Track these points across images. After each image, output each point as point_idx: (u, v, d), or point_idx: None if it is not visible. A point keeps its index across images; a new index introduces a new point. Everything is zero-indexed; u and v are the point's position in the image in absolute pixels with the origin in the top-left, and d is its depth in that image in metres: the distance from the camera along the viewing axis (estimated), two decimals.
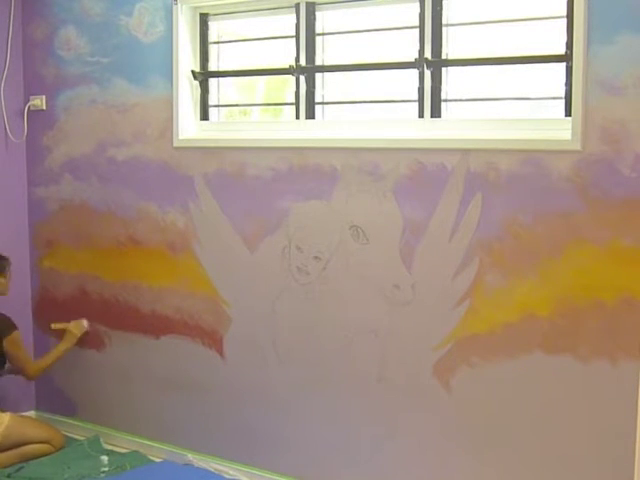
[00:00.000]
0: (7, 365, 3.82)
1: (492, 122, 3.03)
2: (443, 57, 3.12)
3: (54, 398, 4.18)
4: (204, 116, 3.73)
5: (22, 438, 3.70)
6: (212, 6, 3.62)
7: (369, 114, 3.42)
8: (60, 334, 4.00)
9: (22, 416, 3.93)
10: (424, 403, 3.15)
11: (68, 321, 3.99)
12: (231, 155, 3.53)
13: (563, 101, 2.86)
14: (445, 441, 3.12)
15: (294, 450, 3.49)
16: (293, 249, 3.41)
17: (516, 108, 3.11)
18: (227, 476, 3.61)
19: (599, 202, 2.73)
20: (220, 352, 3.65)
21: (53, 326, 4.01)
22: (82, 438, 4.00)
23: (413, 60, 3.14)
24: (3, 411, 3.75)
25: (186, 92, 3.66)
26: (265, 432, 3.55)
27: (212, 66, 3.72)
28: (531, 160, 2.85)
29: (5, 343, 3.75)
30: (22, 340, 3.86)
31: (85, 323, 3.98)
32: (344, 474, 3.37)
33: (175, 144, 3.67)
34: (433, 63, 3.11)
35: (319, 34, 3.41)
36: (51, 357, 3.92)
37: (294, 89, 3.46)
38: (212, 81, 3.74)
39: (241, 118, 3.90)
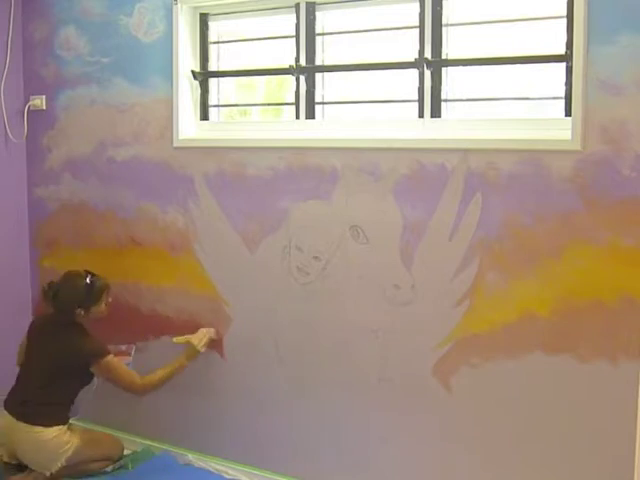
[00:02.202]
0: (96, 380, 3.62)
1: (492, 122, 3.03)
2: (443, 57, 3.12)
3: None
4: (204, 116, 3.73)
5: (86, 459, 3.56)
6: (212, 6, 3.62)
7: (369, 114, 3.42)
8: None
9: (90, 436, 3.69)
10: (424, 403, 3.15)
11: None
12: (231, 155, 3.53)
13: (563, 101, 2.86)
14: (445, 441, 3.12)
15: (294, 450, 3.49)
16: (293, 249, 3.41)
17: (516, 108, 3.11)
18: (227, 476, 3.62)
19: (599, 202, 2.74)
20: (220, 352, 3.65)
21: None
22: None
23: (413, 60, 3.14)
24: (72, 428, 3.59)
25: (186, 92, 3.66)
26: (265, 432, 3.55)
27: (212, 66, 3.72)
28: (531, 160, 2.85)
29: (94, 370, 3.49)
30: (113, 361, 3.49)
31: (212, 333, 3.61)
32: (344, 474, 3.37)
33: (175, 144, 3.67)
34: (433, 63, 3.11)
35: (319, 34, 3.41)
36: (164, 372, 3.55)
37: (294, 89, 3.46)
38: (212, 81, 3.74)
39: (241, 118, 3.90)
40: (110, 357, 3.48)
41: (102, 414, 4.03)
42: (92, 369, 3.49)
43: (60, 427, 3.50)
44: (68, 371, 3.48)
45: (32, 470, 3.51)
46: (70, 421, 3.63)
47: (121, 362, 3.57)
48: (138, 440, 3.91)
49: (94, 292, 3.51)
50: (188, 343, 3.59)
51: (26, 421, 3.46)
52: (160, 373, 3.55)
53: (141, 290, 3.86)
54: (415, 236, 3.10)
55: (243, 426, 3.62)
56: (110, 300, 3.59)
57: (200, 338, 3.58)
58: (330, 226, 3.30)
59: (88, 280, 3.51)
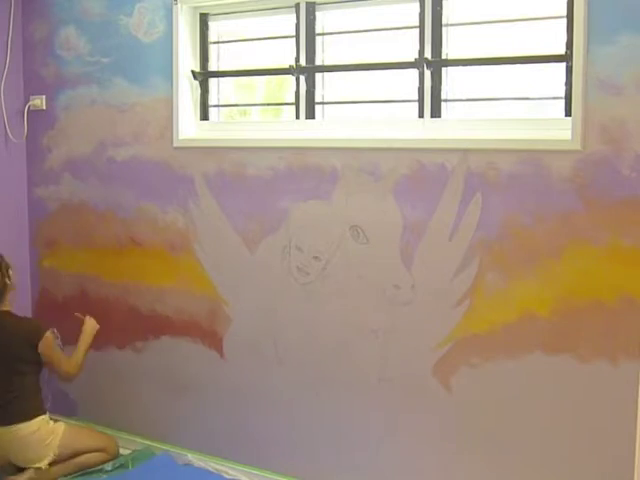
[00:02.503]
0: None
1: (492, 122, 3.03)
2: (443, 57, 3.12)
3: (55, 398, 4.17)
4: (204, 116, 3.73)
5: (79, 448, 3.61)
6: (212, 6, 3.62)
7: (369, 114, 3.42)
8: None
9: (76, 425, 3.80)
10: (424, 403, 3.15)
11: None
12: (231, 155, 3.53)
13: (563, 101, 2.86)
14: (445, 441, 3.12)
15: (294, 450, 3.49)
16: (293, 249, 3.41)
17: (516, 108, 3.11)
18: (227, 476, 3.62)
19: (599, 202, 2.74)
20: (220, 352, 3.65)
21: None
22: None
23: (413, 60, 3.14)
24: (55, 420, 3.65)
25: (186, 92, 3.66)
26: (265, 432, 3.55)
27: (212, 66, 3.72)
28: (531, 160, 2.85)
29: (40, 347, 3.54)
30: (52, 338, 3.59)
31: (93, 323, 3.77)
32: (344, 474, 3.37)
33: (175, 144, 3.67)
34: (433, 63, 3.11)
35: (319, 34, 3.41)
36: (81, 350, 3.68)
37: (294, 89, 3.46)
38: (212, 81, 3.74)
39: (241, 118, 3.90)
40: (49, 332, 3.57)
41: (102, 414, 4.04)
42: (39, 348, 3.53)
43: (42, 417, 3.54)
44: (19, 358, 3.51)
45: (26, 470, 3.52)
46: (67, 421, 3.64)
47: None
48: (138, 440, 3.91)
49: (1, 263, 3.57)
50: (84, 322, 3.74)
51: (4, 424, 3.48)
52: (79, 354, 3.66)
53: (141, 290, 3.86)
54: (415, 236, 3.10)
55: (243, 426, 3.62)
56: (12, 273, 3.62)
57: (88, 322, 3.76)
58: (330, 226, 3.30)
59: None
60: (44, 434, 3.52)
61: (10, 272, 3.60)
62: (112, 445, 3.78)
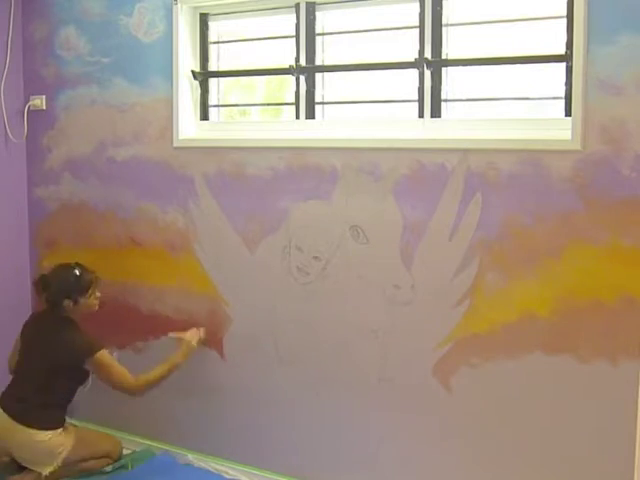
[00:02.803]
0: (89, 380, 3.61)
1: (492, 122, 3.03)
2: (443, 57, 3.12)
3: None
4: (204, 116, 3.73)
5: (85, 455, 3.58)
6: (212, 6, 3.62)
7: (369, 114, 3.42)
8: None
9: (84, 432, 3.73)
10: (424, 403, 3.15)
11: None
12: (231, 155, 3.53)
13: (563, 101, 2.86)
14: (445, 441, 3.12)
15: (294, 450, 3.49)
16: (293, 249, 3.41)
17: (516, 108, 3.11)
18: (227, 476, 3.62)
19: (599, 202, 2.74)
20: (220, 352, 3.65)
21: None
22: None
23: (413, 60, 3.14)
24: (66, 428, 3.58)
25: (186, 92, 3.66)
26: (265, 432, 3.55)
27: (212, 66, 3.72)
28: (531, 160, 2.85)
29: (88, 366, 3.47)
30: (104, 358, 3.46)
31: (202, 332, 3.62)
32: (344, 474, 3.38)
33: (175, 144, 3.67)
34: (433, 63, 3.11)
35: (319, 34, 3.41)
36: (159, 371, 3.48)
37: (294, 89, 3.46)
38: (212, 81, 3.74)
39: (241, 118, 3.90)
40: (101, 353, 3.45)
41: (102, 414, 4.03)
42: (86, 366, 3.48)
43: (54, 431, 3.50)
44: (63, 370, 3.47)
45: (30, 470, 3.51)
46: (74, 423, 3.62)
47: (114, 360, 3.53)
48: (138, 440, 3.91)
49: (81, 283, 3.51)
50: (181, 339, 3.56)
51: (21, 421, 3.45)
52: (155, 372, 3.49)
53: (141, 290, 3.86)
54: (415, 236, 3.11)
55: (243, 426, 3.62)
56: (99, 295, 3.58)
57: (193, 335, 3.57)
58: (330, 226, 3.30)
59: (77, 271, 3.52)
60: (54, 445, 3.48)
61: (96, 293, 3.56)
62: (117, 448, 3.75)
